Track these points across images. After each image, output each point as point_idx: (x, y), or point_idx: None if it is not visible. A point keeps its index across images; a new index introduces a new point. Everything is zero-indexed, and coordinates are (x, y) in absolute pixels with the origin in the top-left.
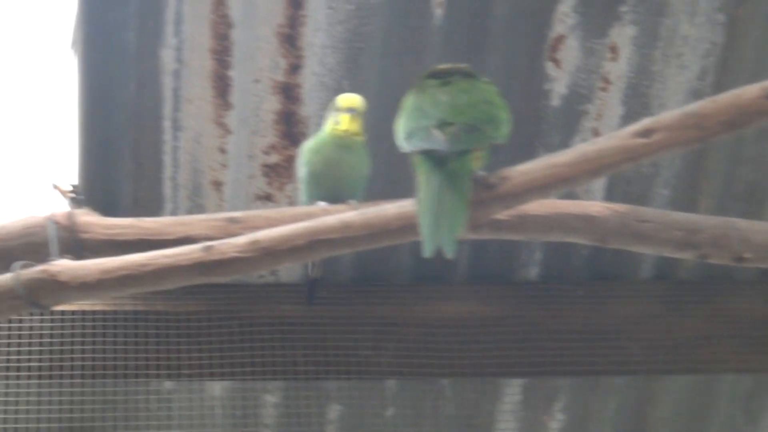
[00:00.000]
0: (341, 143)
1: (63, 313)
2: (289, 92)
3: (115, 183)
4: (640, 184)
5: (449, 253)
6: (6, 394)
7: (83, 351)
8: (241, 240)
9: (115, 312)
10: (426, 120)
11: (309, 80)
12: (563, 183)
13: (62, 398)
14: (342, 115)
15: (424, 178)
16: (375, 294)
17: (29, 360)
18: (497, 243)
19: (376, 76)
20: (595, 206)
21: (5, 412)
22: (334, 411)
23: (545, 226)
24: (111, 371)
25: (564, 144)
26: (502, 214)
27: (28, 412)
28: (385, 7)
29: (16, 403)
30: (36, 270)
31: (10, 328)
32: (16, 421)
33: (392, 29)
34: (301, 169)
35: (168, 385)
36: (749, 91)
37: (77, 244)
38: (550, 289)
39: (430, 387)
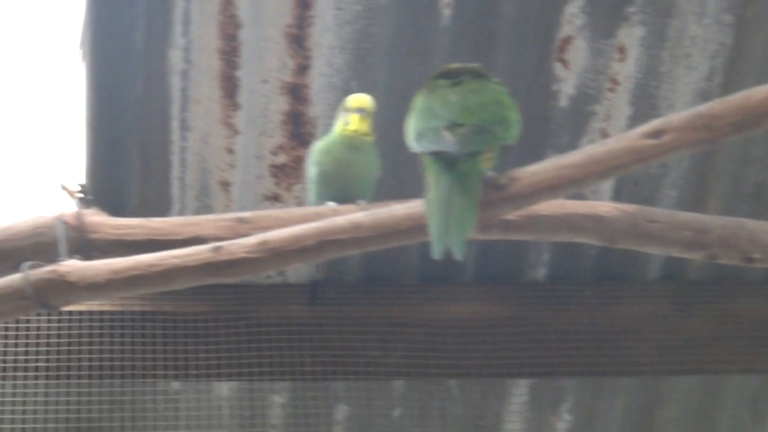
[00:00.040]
0: (351, 144)
1: (70, 313)
2: (296, 93)
3: (123, 183)
4: (648, 184)
5: (458, 255)
6: (14, 394)
7: (90, 351)
8: (251, 240)
9: (122, 312)
10: (436, 121)
11: (317, 81)
12: (573, 184)
13: (70, 398)
14: (351, 116)
15: (434, 179)
16: (383, 294)
17: (37, 360)
18: (505, 243)
19: (383, 76)
20: (604, 206)
21: (13, 412)
22: (341, 411)
23: (554, 227)
24: (118, 371)
25: (572, 145)
26: (512, 215)
27: (35, 412)
28: (393, 8)
29: (24, 403)
30: (45, 270)
31: (17, 329)
32: (23, 421)
33: (400, 30)
34: (311, 169)
35: (175, 385)
36: (759, 92)
37: (86, 245)
38: (558, 290)
39: (437, 387)
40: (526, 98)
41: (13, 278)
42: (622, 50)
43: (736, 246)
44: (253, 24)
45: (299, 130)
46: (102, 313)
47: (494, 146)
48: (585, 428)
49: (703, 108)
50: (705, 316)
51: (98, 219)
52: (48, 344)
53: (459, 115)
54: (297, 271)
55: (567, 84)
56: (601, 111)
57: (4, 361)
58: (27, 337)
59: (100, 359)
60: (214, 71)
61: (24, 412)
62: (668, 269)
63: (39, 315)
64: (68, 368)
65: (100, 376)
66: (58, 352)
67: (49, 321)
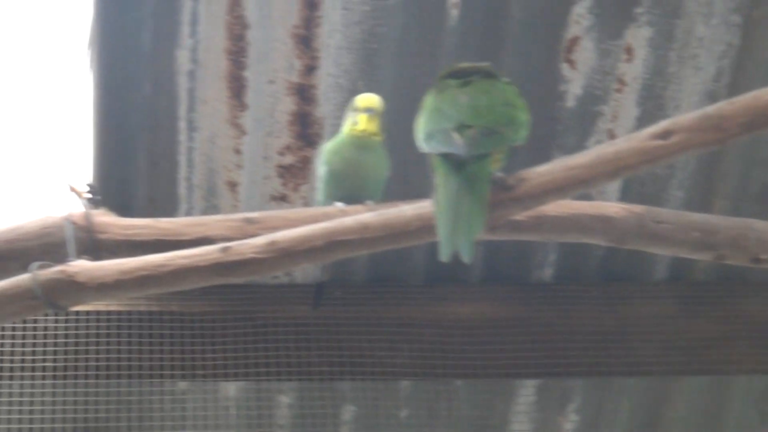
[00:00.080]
0: (360, 144)
1: (77, 313)
2: (304, 93)
3: (130, 183)
4: (654, 185)
5: (466, 258)
6: (21, 394)
7: (98, 351)
8: (259, 241)
9: (129, 312)
10: (445, 122)
11: (324, 81)
12: (581, 184)
13: (77, 398)
14: (360, 116)
15: (443, 180)
16: (389, 295)
17: (44, 360)
18: (512, 244)
19: (391, 77)
20: (612, 207)
21: (20, 412)
22: (348, 412)
23: (562, 227)
24: (125, 371)
25: (579, 145)
26: (520, 215)
27: (43, 412)
28: (401, 8)
29: (31, 403)
30: (54, 270)
31: (25, 329)
32: (31, 421)
33: (407, 30)
34: (320, 169)
35: (182, 385)
36: (767, 92)
37: (94, 245)
38: (565, 290)
39: (444, 388)
40: (533, 98)
41: (22, 278)
42: (629, 51)
43: (744, 247)
44: (261, 24)
45: (306, 130)
46: (109, 313)
47: (503, 148)
48: (592, 428)
49: (712, 109)
50: (712, 317)
51: (107, 219)
52: (55, 344)
53: (468, 117)
54: (304, 272)
55: (574, 84)
56: (608, 111)
57: (12, 361)
58: (34, 337)
59: (107, 359)
60: (222, 71)
61: (31, 412)
62: (675, 270)
63: (46, 315)
64: (75, 368)
65: (107, 376)
66: (66, 352)
67: (56, 321)
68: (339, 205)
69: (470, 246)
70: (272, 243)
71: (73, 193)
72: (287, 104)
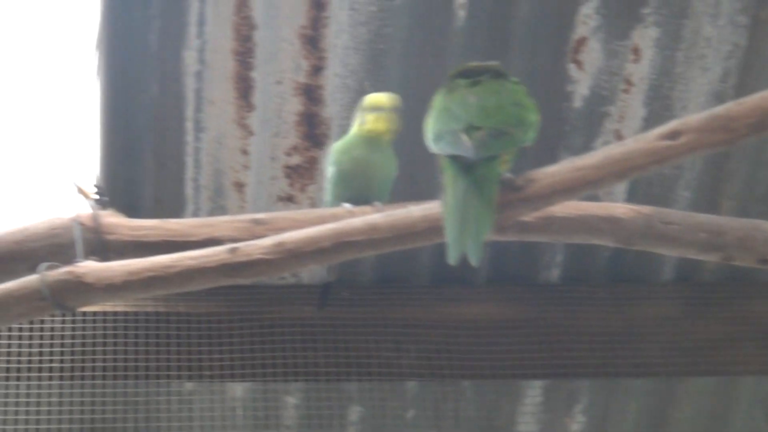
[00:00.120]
0: (369, 143)
1: (84, 314)
2: (311, 94)
3: (137, 184)
4: (662, 186)
5: (474, 261)
6: (28, 395)
7: (104, 352)
8: (267, 242)
9: (136, 313)
10: (454, 122)
11: (331, 82)
12: (590, 185)
13: (83, 399)
14: (368, 115)
15: (451, 182)
16: (396, 295)
17: (51, 361)
18: (519, 245)
19: (398, 77)
20: (620, 208)
21: (27, 412)
22: (354, 412)
23: (570, 228)
24: (132, 372)
25: (586, 146)
26: (528, 216)
27: (49, 412)
28: (408, 9)
29: (38, 404)
30: (62, 271)
31: (31, 329)
32: (37, 422)
33: (414, 31)
34: (329, 169)
35: (189, 386)
36: None
37: (102, 246)
38: (572, 291)
39: (450, 389)
40: (540, 99)
41: (30, 279)
42: (636, 51)
43: (752, 248)
44: (268, 25)
45: (313, 131)
46: (116, 313)
47: (512, 149)
48: (598, 429)
49: (720, 109)
50: (719, 318)
51: (115, 220)
52: (62, 345)
53: (477, 118)
54: (311, 272)
55: (581, 85)
56: (615, 112)
57: (19, 362)
58: (41, 338)
59: (114, 360)
60: (229, 72)
61: (38, 412)
62: (682, 271)
63: (53, 316)
64: (82, 369)
65: (114, 377)
66: (72, 353)
67: (63, 321)
68: (346, 206)
69: (478, 249)
70: (280, 244)
71: (81, 194)
72: (294, 105)
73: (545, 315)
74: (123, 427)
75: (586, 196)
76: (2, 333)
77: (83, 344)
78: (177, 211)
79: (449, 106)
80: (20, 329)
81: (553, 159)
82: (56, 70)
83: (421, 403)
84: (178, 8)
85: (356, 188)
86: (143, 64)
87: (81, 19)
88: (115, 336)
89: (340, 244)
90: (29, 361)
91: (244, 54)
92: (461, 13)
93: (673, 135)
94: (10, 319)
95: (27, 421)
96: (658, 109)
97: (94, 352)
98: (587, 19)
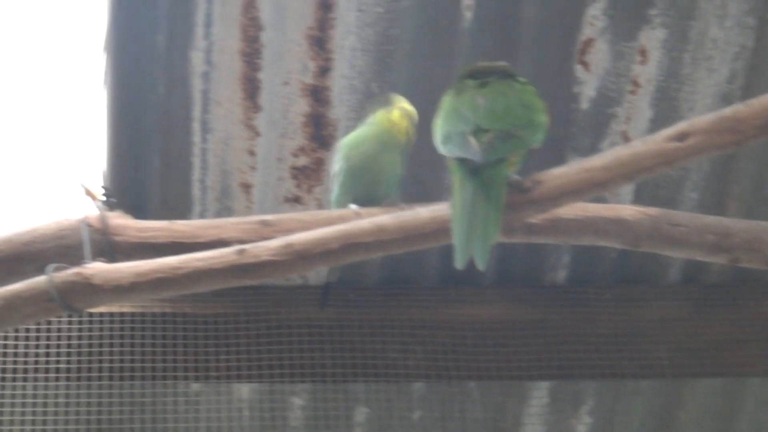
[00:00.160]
0: (381, 141)
1: (91, 315)
2: (318, 95)
3: (144, 185)
4: (668, 187)
5: (480, 265)
6: (34, 396)
7: (111, 353)
8: (275, 243)
9: (143, 314)
10: (462, 124)
11: (338, 83)
12: (598, 187)
13: (90, 400)
14: (396, 110)
15: (459, 184)
16: (403, 296)
17: (57, 362)
18: (525, 246)
19: (405, 78)
20: (628, 210)
21: (34, 413)
22: (361, 413)
23: (578, 230)
24: (138, 373)
25: (593, 147)
26: (535, 218)
27: (56, 413)
28: (415, 10)
29: (45, 404)
30: (70, 273)
31: (38, 330)
32: (44, 422)
33: (421, 32)
34: (338, 164)
35: (195, 387)
36: None
37: (110, 247)
38: (578, 292)
39: (457, 389)
40: (547, 100)
41: (38, 280)
42: (643, 53)
43: (759, 249)
44: (275, 26)
45: (320, 132)
46: (122, 314)
47: (520, 151)
48: (605, 430)
49: (728, 111)
50: (725, 319)
51: (122, 221)
52: (68, 346)
53: (485, 120)
54: (317, 274)
55: (588, 86)
56: (622, 113)
57: (25, 363)
58: (48, 338)
59: (121, 361)
60: (236, 73)
61: (45, 413)
62: (688, 272)
63: (60, 316)
64: (89, 369)
65: (121, 378)
66: (79, 354)
67: (70, 322)
68: (353, 207)
69: (485, 252)
70: (288, 245)
71: (88, 196)
72: (301, 106)
73: (552, 316)
74: (130, 427)
75: (593, 198)
76: (9, 333)
77: (90, 345)
78: (184, 212)
79: (458, 107)
80: (27, 330)
81: (559, 160)
82: (64, 72)
83: (427, 404)
84: (185, 9)
85: (364, 185)
86: (150, 65)
87: (88, 20)
88: (121, 337)
89: (348, 245)
90: (36, 362)
91: (251, 55)
92: (468, 15)
93: (681, 136)
94: (18, 320)
95: (34, 422)
96: (665, 110)
97: (100, 353)
98: (594, 21)
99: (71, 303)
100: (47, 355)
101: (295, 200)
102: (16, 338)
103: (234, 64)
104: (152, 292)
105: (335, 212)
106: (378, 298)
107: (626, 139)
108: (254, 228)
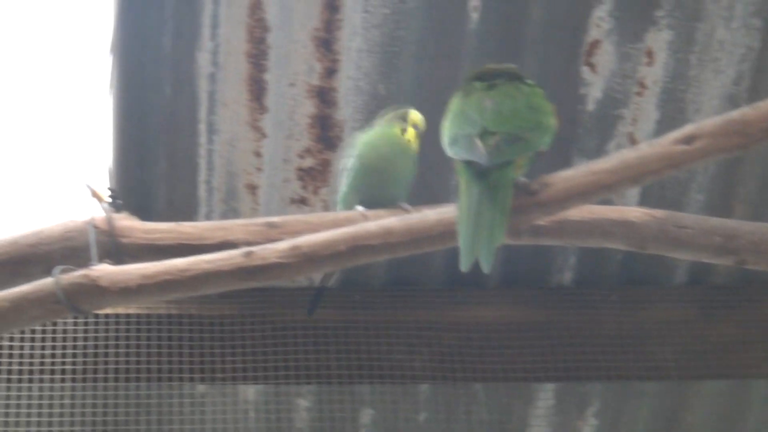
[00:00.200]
0: (397, 145)
1: (97, 316)
2: (324, 96)
3: (150, 186)
4: (675, 189)
5: (485, 267)
6: (40, 397)
7: (117, 354)
8: (282, 246)
9: (148, 315)
10: (469, 127)
11: (344, 84)
12: (605, 190)
13: (96, 401)
14: (411, 128)
15: (465, 186)
16: (409, 298)
17: (63, 363)
18: (531, 248)
19: (411, 79)
20: (634, 212)
21: (39, 414)
22: (366, 415)
23: (584, 232)
24: (144, 374)
25: (599, 148)
26: (542, 220)
27: (62, 415)
28: (421, 11)
29: (50, 405)
30: (76, 275)
31: (44, 331)
32: (50, 424)
33: (428, 33)
34: (350, 160)
35: (201, 388)
36: None
37: (117, 249)
38: (584, 294)
39: (463, 391)
40: (554, 102)
41: (45, 283)
42: (649, 54)
43: (765, 251)
44: (282, 27)
45: (326, 133)
46: (128, 316)
47: (527, 154)
48: None
49: (736, 114)
50: (731, 321)
51: (129, 223)
52: (74, 347)
53: (492, 123)
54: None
55: (594, 88)
56: (629, 115)
57: (31, 364)
58: (53, 339)
59: (126, 362)
60: (242, 74)
61: (50, 414)
62: (694, 274)
63: (66, 318)
64: (94, 371)
65: (126, 379)
66: (85, 355)
67: (76, 324)
68: (360, 208)
69: (490, 255)
70: (295, 248)
71: (95, 197)
72: (307, 107)
73: (558, 318)
74: (135, 429)
75: (599, 200)
76: (15, 334)
77: (95, 346)
78: (190, 214)
79: (465, 109)
80: (33, 331)
81: (566, 161)
82: (70, 73)
83: (433, 405)
84: (191, 10)
85: (375, 186)
86: (157, 67)
87: (95, 21)
88: (127, 338)
89: (356, 248)
90: (42, 363)
91: (258, 56)
92: (474, 16)
93: (689, 139)
94: (24, 322)
95: (39, 423)
96: (672, 112)
97: (106, 354)
98: (600, 22)
99: (78, 305)
100: (53, 356)
101: (301, 201)
102: (22, 339)
103: (240, 65)
104: (159, 294)
105: (342, 214)
106: (384, 299)
107: (632, 140)
108: (261, 230)
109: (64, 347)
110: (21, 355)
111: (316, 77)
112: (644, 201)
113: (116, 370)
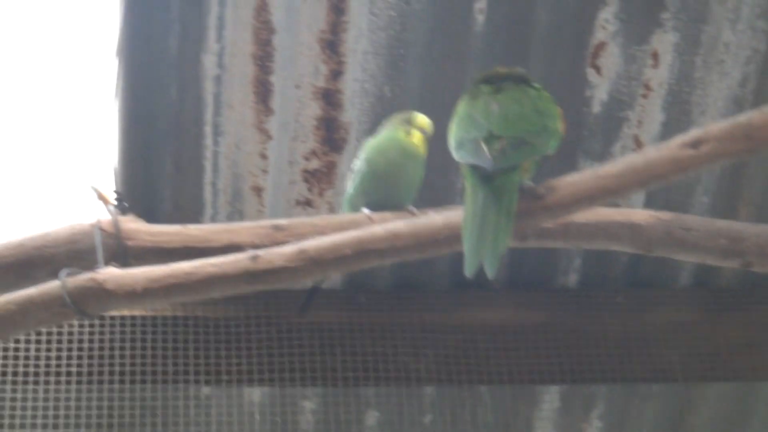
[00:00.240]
0: (407, 150)
1: (103, 318)
2: (330, 98)
3: (156, 188)
4: (680, 191)
5: (490, 273)
6: (46, 399)
7: (122, 356)
8: (288, 249)
9: (154, 317)
10: (475, 130)
11: (350, 86)
12: (611, 194)
13: (101, 403)
14: (417, 132)
15: (471, 190)
16: (414, 300)
17: (69, 365)
18: (537, 250)
19: (417, 82)
20: (640, 214)
21: (45, 416)
22: (372, 417)
23: (590, 234)
24: (150, 376)
25: (604, 151)
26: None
27: (67, 416)
28: (427, 14)
29: (56, 407)
30: (83, 278)
31: (49, 333)
32: (55, 426)
33: (434, 35)
34: (359, 164)
35: (207, 390)
36: None
37: (122, 251)
38: (590, 296)
39: (468, 394)
40: (559, 104)
41: (51, 286)
42: (655, 56)
43: None
44: (287, 29)
45: (332, 135)
46: (133, 318)
47: (533, 158)
48: None
49: (742, 118)
50: (736, 323)
51: (135, 226)
52: (80, 349)
53: (498, 126)
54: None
55: (600, 90)
56: (634, 117)
57: (37, 366)
58: (59, 341)
59: (132, 364)
60: (248, 76)
61: (56, 416)
62: (700, 276)
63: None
64: (100, 373)
65: (132, 381)
66: (90, 357)
67: (81, 326)
68: (366, 211)
69: (495, 260)
70: (301, 251)
71: (101, 200)
72: (313, 109)
73: (563, 320)
74: (141, 431)
75: (606, 202)
76: (21, 337)
77: (101, 348)
78: (195, 216)
79: (471, 113)
80: (39, 333)
81: (571, 164)
82: (76, 76)
83: (438, 408)
84: (197, 12)
85: (382, 190)
86: (162, 69)
87: (101, 23)
88: (132, 340)
89: (362, 251)
90: (47, 365)
91: (263, 58)
92: (480, 18)
93: (695, 144)
94: (31, 325)
95: (45, 425)
96: (677, 114)
97: (112, 356)
98: (606, 24)
99: (84, 308)
100: (59, 358)
101: (307, 203)
102: (28, 341)
103: (246, 67)
104: (165, 297)
105: (348, 217)
106: (389, 301)
107: (638, 142)
108: (267, 232)
109: (70, 349)
110: (27, 357)
111: (322, 79)
112: (650, 203)
113: (122, 372)
